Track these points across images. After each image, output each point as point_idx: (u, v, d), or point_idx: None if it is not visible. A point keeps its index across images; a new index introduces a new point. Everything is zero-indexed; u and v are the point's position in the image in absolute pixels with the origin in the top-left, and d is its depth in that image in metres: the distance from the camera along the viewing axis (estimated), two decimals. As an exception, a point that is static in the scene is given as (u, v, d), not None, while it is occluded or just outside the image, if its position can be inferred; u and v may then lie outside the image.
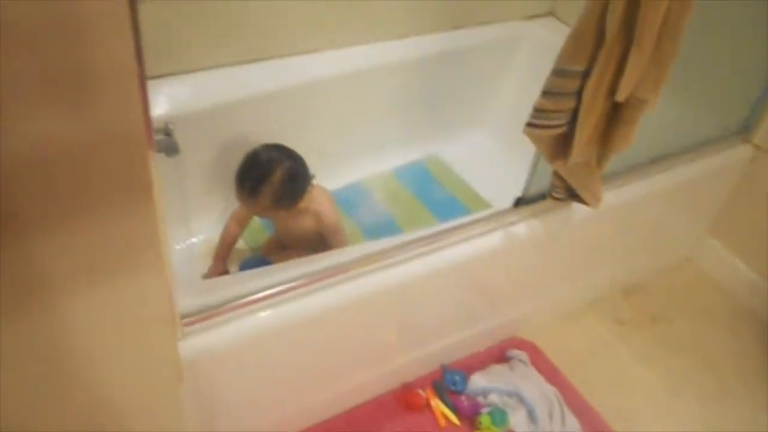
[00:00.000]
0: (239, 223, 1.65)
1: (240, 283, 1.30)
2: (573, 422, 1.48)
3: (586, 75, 1.11)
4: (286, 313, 1.16)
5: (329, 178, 1.71)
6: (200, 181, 1.67)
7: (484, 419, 1.44)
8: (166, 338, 0.96)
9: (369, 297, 1.26)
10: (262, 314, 1.14)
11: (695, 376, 1.68)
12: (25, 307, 0.75)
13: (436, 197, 1.95)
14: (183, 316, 1.05)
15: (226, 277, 1.60)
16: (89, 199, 0.72)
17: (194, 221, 1.70)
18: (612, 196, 1.50)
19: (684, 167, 1.64)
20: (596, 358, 1.68)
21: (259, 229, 1.77)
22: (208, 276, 1.62)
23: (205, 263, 1.65)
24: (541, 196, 1.39)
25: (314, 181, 1.55)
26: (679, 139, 1.64)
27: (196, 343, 1.07)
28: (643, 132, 1.52)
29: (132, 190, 0.76)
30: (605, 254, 1.71)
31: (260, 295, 1.13)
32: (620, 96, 1.10)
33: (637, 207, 1.62)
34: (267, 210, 1.50)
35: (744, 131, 1.74)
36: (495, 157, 2.08)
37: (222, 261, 1.63)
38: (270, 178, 1.44)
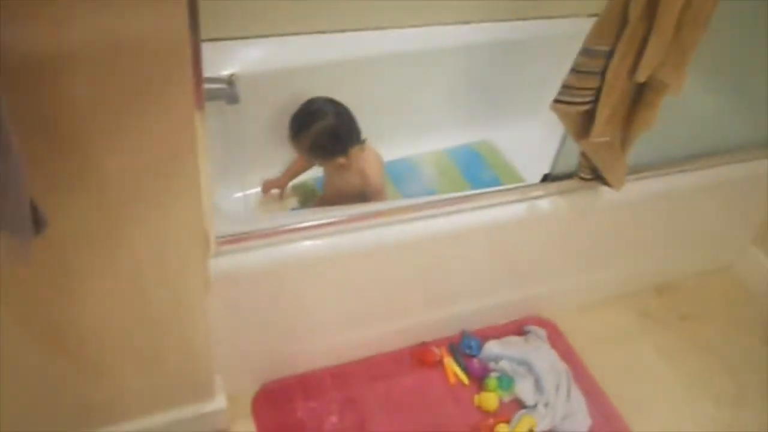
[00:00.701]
0: (290, 176, 1.83)
1: (275, 218, 1.43)
2: (579, 398, 1.53)
3: (610, 55, 1.17)
4: (313, 248, 1.28)
5: (382, 150, 1.82)
6: (259, 135, 1.82)
7: (491, 382, 1.52)
8: (198, 251, 1.10)
9: (396, 245, 1.36)
10: (290, 246, 1.26)
11: (716, 378, 1.68)
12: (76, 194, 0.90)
13: (483, 178, 2.03)
14: (219, 237, 1.19)
15: (265, 214, 1.77)
16: (135, 101, 0.86)
17: (250, 173, 1.85)
18: (644, 185, 1.55)
19: (725, 168, 1.66)
20: (616, 347, 1.72)
21: (311, 191, 1.90)
22: (267, 183, 1.83)
23: (258, 213, 1.81)
24: (569, 176, 1.45)
25: (368, 144, 1.68)
26: (724, 139, 1.65)
27: (227, 262, 1.21)
28: (686, 126, 1.57)
29: (173, 103, 0.89)
30: (638, 246, 1.74)
31: (289, 227, 1.25)
32: (640, 76, 1.16)
33: (673, 201, 1.64)
34: (305, 153, 1.66)
35: (792, 140, 1.73)
36: (545, 147, 2.12)
37: (285, 179, 1.83)
38: (310, 127, 1.59)
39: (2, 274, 0.92)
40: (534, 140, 2.18)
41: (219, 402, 1.36)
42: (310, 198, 1.88)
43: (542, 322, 1.71)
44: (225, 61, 1.63)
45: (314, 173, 1.89)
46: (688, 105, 1.52)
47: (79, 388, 1.18)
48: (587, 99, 1.24)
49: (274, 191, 1.84)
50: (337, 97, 1.78)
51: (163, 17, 0.79)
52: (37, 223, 0.79)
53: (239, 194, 1.85)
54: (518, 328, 1.69)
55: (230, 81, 1.49)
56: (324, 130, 1.60)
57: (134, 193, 0.94)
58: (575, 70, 1.22)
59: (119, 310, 1.07)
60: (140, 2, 0.76)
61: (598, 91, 1.22)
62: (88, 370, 1.15)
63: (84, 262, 0.98)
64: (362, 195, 1.73)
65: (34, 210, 0.78)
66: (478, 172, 2.05)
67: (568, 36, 2.07)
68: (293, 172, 1.85)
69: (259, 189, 1.86)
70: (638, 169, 1.52)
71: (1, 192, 0.71)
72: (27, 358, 1.07)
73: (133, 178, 0.92)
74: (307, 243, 1.28)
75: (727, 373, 1.70)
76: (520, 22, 2.04)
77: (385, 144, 1.86)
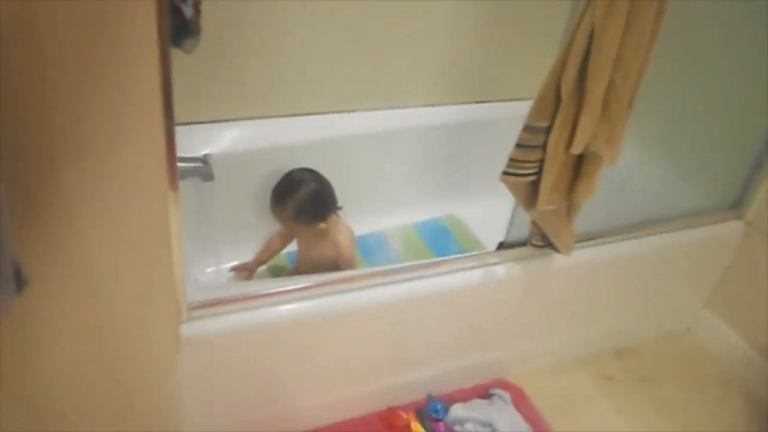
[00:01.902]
0: (283, 239, 1.90)
1: (246, 286, 1.51)
2: (542, 458, 1.57)
3: (548, 130, 1.30)
4: (281, 313, 1.35)
5: (353, 224, 1.92)
6: (233, 212, 1.91)
7: (457, 444, 1.56)
8: (170, 315, 1.17)
9: (362, 310, 1.44)
10: (259, 311, 1.33)
11: (677, 439, 1.74)
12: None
13: (449, 250, 2.12)
14: (191, 303, 1.26)
15: (236, 283, 1.83)
16: (114, 187, 0.95)
17: (224, 249, 1.93)
18: (595, 252, 1.65)
19: (674, 234, 1.76)
20: (579, 409, 1.77)
21: (283, 264, 1.98)
22: (238, 267, 1.88)
23: (229, 283, 1.88)
24: (522, 243, 1.56)
25: (341, 217, 1.78)
26: (671, 207, 1.77)
27: (197, 326, 1.27)
28: (634, 194, 1.70)
29: (148, 184, 0.99)
30: (595, 311, 1.82)
31: (258, 293, 1.33)
32: (575, 149, 1.28)
33: (625, 267, 1.74)
34: (288, 221, 1.74)
35: (736, 207, 1.85)
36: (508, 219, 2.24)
37: (257, 263, 1.89)
38: (296, 192, 1.69)
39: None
40: (496, 212, 2.28)
41: (186, 468, 1.39)
42: (281, 272, 1.96)
43: (507, 385, 1.76)
44: (201, 141, 1.75)
45: (286, 249, 1.97)
46: (634, 174, 1.66)
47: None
48: (532, 171, 1.35)
49: (245, 275, 1.90)
50: (309, 175, 1.90)
51: (134, 104, 0.89)
52: (19, 282, 0.86)
53: (212, 268, 1.93)
54: (484, 392, 1.74)
55: (205, 160, 1.60)
56: (310, 194, 1.70)
57: (111, 261, 1.03)
58: (519, 145, 1.34)
59: (89, 367, 1.13)
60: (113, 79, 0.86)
61: (541, 163, 1.34)
62: (55, 426, 1.18)
63: (55, 319, 1.04)
64: (335, 266, 1.82)
65: (17, 270, 0.85)
66: (444, 244, 2.15)
67: (522, 117, 2.26)
68: (267, 253, 1.90)
69: (231, 263, 1.94)
70: (589, 236, 1.63)
71: (-13, 252, 0.79)
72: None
73: (111, 246, 1.01)
74: (276, 309, 1.35)
75: (686, 433, 1.76)
76: (481, 105, 2.20)
77: (356, 219, 1.96)
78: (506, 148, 2.25)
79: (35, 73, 0.81)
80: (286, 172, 1.79)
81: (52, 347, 1.07)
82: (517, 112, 2.19)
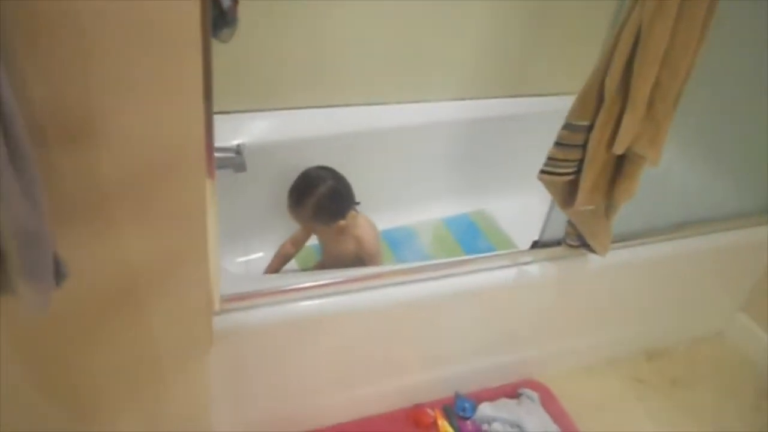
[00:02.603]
0: (295, 244, 1.87)
1: (276, 279, 1.50)
2: (570, 460, 1.55)
3: (590, 129, 1.27)
4: (312, 308, 1.34)
5: (381, 219, 1.91)
6: (264, 203, 1.91)
7: (485, 444, 1.55)
8: (203, 307, 1.16)
9: (392, 307, 1.43)
10: (290, 306, 1.32)
11: (707, 443, 1.71)
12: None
13: (479, 246, 2.10)
14: (223, 296, 1.26)
15: (267, 275, 1.83)
16: (155, 175, 0.95)
17: (254, 239, 1.93)
18: (631, 253, 1.62)
19: (711, 236, 1.73)
20: (609, 411, 1.74)
21: (310, 254, 1.97)
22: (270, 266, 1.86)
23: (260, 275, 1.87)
24: (557, 243, 1.53)
25: (360, 212, 1.75)
26: (709, 208, 1.72)
27: (229, 319, 1.27)
28: (672, 195, 1.66)
29: (187, 173, 0.98)
30: (628, 312, 1.79)
31: (290, 287, 1.32)
32: (617, 149, 1.25)
33: (660, 268, 1.71)
34: (308, 221, 1.71)
35: (777, 211, 1.81)
36: (539, 217, 2.21)
37: (271, 272, 1.85)
38: (314, 191, 1.66)
39: (20, 322, 0.99)
40: (528, 210, 2.26)
41: (215, 459, 1.39)
42: (307, 260, 1.95)
43: (535, 386, 1.74)
44: (233, 132, 1.74)
45: (311, 240, 1.96)
46: (673, 175, 1.62)
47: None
48: (571, 170, 1.33)
49: None
50: (340, 168, 1.87)
51: (176, 93, 0.88)
52: (59, 275, 0.86)
53: (242, 259, 1.93)
54: (512, 391, 1.72)
55: (239, 150, 1.59)
56: (327, 193, 1.67)
57: (147, 252, 1.02)
58: (558, 143, 1.31)
59: (125, 360, 1.13)
60: (155, 70, 0.86)
61: (581, 162, 1.31)
62: (88, 418, 1.19)
63: (94, 311, 1.04)
64: (359, 261, 1.80)
65: (57, 262, 0.85)
66: (473, 240, 2.13)
67: (556, 112, 2.22)
68: (280, 260, 1.86)
69: (260, 254, 1.93)
70: (625, 237, 1.59)
71: (29, 243, 0.79)
72: (31, 405, 1.12)
73: (147, 237, 1.00)
74: (307, 303, 1.34)
75: (718, 439, 1.72)
76: (512, 99, 2.16)
77: (385, 212, 1.95)
78: (539, 143, 2.22)
79: (77, 64, 0.80)
80: (318, 163, 1.78)
81: (88, 340, 1.07)
82: (551, 107, 2.18)
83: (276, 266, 1.86)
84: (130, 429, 1.25)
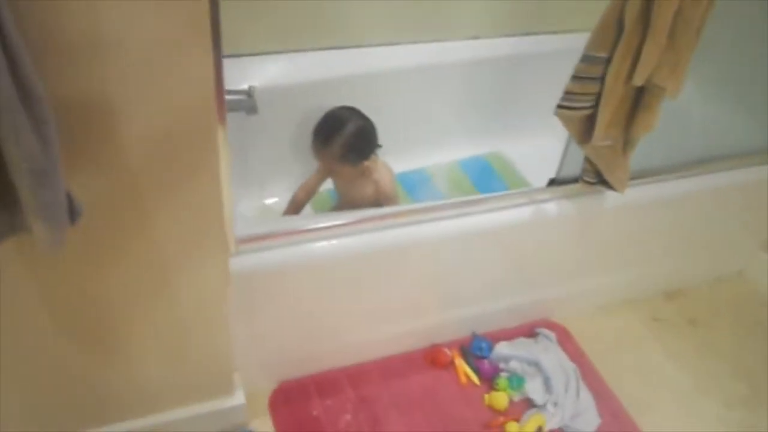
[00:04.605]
0: (307, 192, 1.86)
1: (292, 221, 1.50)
2: (588, 397, 1.56)
3: (608, 61, 1.23)
4: (328, 248, 1.34)
5: (396, 161, 1.89)
6: (276, 146, 1.89)
7: (502, 382, 1.56)
8: (219, 249, 1.16)
9: (408, 247, 1.43)
10: (306, 246, 1.33)
11: (726, 381, 1.71)
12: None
13: (494, 188, 2.07)
14: (239, 238, 1.26)
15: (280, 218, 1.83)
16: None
17: (268, 184, 1.92)
18: (649, 190, 1.60)
19: (731, 173, 1.69)
20: (626, 350, 1.75)
21: (326, 199, 1.97)
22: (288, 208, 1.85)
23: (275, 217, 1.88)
24: (574, 180, 1.51)
25: (379, 156, 1.74)
26: (729, 144, 1.69)
27: (246, 261, 1.27)
28: (691, 130, 1.62)
29: (197, 114, 0.97)
30: (646, 251, 1.78)
31: (305, 228, 1.32)
32: (637, 80, 1.21)
33: (680, 206, 1.69)
34: (334, 161, 1.70)
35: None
36: (555, 158, 2.18)
37: (297, 205, 1.85)
38: (342, 130, 1.66)
39: (35, 261, 1.00)
40: (543, 152, 2.22)
41: (238, 398, 1.42)
42: (323, 204, 1.95)
43: (552, 325, 1.74)
44: (244, 75, 1.71)
45: (326, 185, 1.94)
46: (693, 110, 1.58)
47: (103, 380, 1.25)
48: (588, 104, 1.30)
49: None
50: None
51: (183, 35, 0.87)
52: (72, 212, 0.86)
53: (257, 202, 1.93)
54: (528, 331, 1.73)
55: (250, 93, 1.57)
56: (356, 132, 1.67)
57: (162, 194, 1.02)
58: (576, 77, 1.28)
59: (146, 302, 1.14)
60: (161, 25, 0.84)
61: (599, 96, 1.28)
62: (113, 361, 1.22)
63: (113, 253, 1.05)
64: (375, 205, 1.79)
65: (70, 200, 0.85)
66: (488, 182, 2.11)
67: (575, 50, 2.17)
68: (294, 208, 1.85)
69: (275, 199, 1.93)
70: (643, 174, 1.57)
71: (42, 182, 0.79)
72: (54, 348, 1.14)
73: (162, 180, 1.00)
74: (323, 243, 1.34)
75: (737, 376, 1.72)
76: (529, 37, 2.10)
77: (399, 155, 1.92)
78: (555, 83, 2.17)
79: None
80: (331, 106, 1.75)
81: (107, 281, 1.08)
82: (569, 45, 2.10)
83: (301, 197, 1.86)
84: (155, 371, 1.27)
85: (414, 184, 2.05)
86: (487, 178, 2.12)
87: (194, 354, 1.29)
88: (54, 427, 1.27)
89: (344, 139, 1.66)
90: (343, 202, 1.87)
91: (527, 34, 2.10)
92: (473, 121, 2.16)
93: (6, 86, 0.71)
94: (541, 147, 2.23)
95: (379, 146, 1.74)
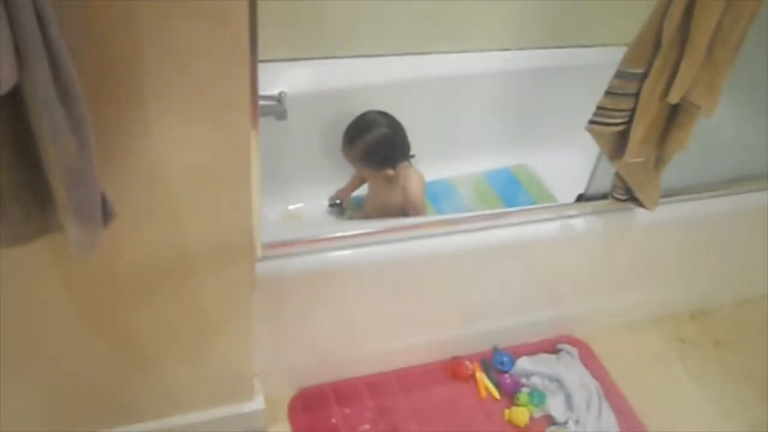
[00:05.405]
0: (347, 193, 1.92)
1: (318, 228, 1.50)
2: (609, 415, 1.54)
3: (644, 77, 1.22)
4: (354, 257, 1.34)
5: (422, 170, 1.88)
6: (304, 151, 1.89)
7: (523, 397, 1.54)
8: (246, 253, 1.16)
9: (433, 258, 1.42)
10: (332, 254, 1.32)
11: (751, 405, 1.67)
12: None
13: (519, 201, 2.06)
14: (265, 243, 1.26)
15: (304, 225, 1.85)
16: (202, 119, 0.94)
17: (292, 189, 1.92)
18: (680, 208, 1.58)
19: (762, 194, 1.67)
20: (649, 369, 1.72)
21: (353, 205, 1.97)
22: (334, 196, 1.93)
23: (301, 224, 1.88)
24: (603, 196, 1.49)
25: (412, 163, 1.75)
26: (761, 164, 1.66)
27: (271, 266, 1.27)
28: (722, 150, 1.60)
29: (233, 119, 0.97)
30: (673, 270, 1.75)
31: (332, 235, 1.32)
32: (672, 98, 1.20)
33: (710, 225, 1.66)
34: (356, 162, 1.73)
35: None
36: (581, 172, 2.16)
37: (347, 192, 1.92)
38: (367, 134, 1.67)
39: (68, 263, 1.00)
40: (570, 166, 2.21)
41: (258, 403, 1.42)
42: (352, 213, 1.95)
43: (575, 342, 1.72)
44: (274, 80, 1.72)
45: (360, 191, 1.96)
46: (725, 129, 1.56)
47: (124, 380, 1.25)
48: (621, 120, 1.28)
49: (338, 201, 1.93)
50: (380, 118, 1.86)
51: (223, 41, 0.88)
52: (106, 214, 0.86)
53: (281, 207, 1.93)
54: (551, 347, 1.71)
55: (280, 98, 1.58)
56: (379, 139, 1.68)
57: (193, 197, 1.02)
58: (610, 92, 1.26)
59: (170, 305, 1.14)
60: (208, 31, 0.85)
61: (632, 112, 1.26)
62: (135, 362, 1.22)
63: (140, 257, 1.05)
64: (403, 212, 1.79)
65: (104, 201, 0.85)
66: (514, 194, 2.09)
67: (605, 64, 2.15)
68: (347, 190, 1.93)
69: (299, 205, 1.93)
70: (674, 192, 1.55)
71: (77, 181, 0.79)
72: (79, 348, 1.15)
73: (194, 182, 1.01)
74: (348, 252, 1.34)
75: (762, 401, 1.69)
76: (557, 50, 2.09)
77: (425, 165, 1.91)
78: (583, 96, 2.15)
79: (122, 7, 0.79)
80: (358, 113, 1.76)
81: (133, 282, 1.08)
82: (596, 58, 2.11)
83: (342, 195, 1.91)
84: (176, 373, 1.28)
85: (438, 195, 2.05)
86: (512, 191, 2.11)
87: (216, 358, 1.29)
88: (73, 427, 1.28)
89: (366, 143, 1.68)
90: (370, 208, 1.87)
91: (556, 47, 2.09)
92: (499, 132, 2.15)
93: (46, 82, 0.71)
94: (567, 160, 2.22)
95: (412, 156, 1.74)
